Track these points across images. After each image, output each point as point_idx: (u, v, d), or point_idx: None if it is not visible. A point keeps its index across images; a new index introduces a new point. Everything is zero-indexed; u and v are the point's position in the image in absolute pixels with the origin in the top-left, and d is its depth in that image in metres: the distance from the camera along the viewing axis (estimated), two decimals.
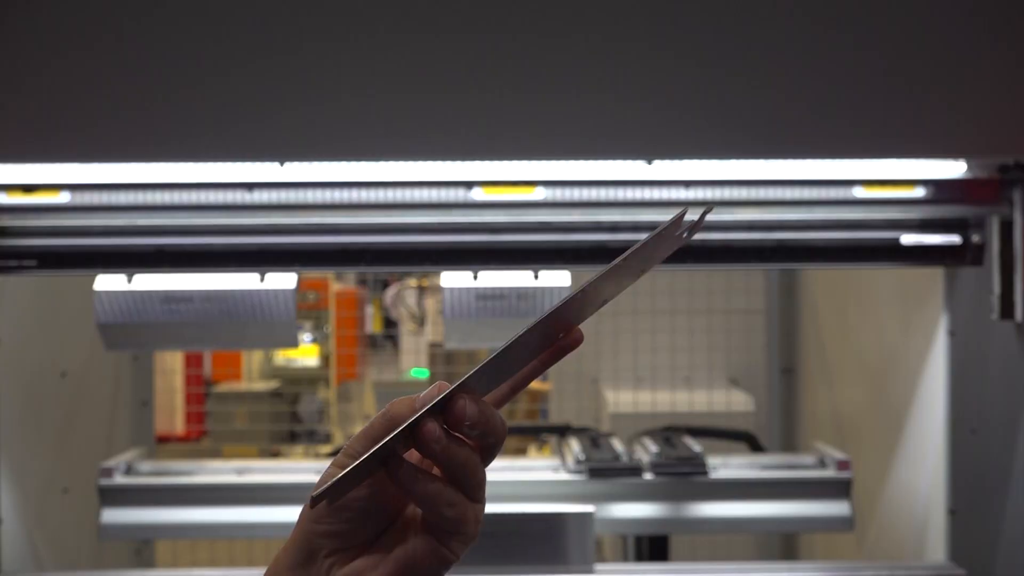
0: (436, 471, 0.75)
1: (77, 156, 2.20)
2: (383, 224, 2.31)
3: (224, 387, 7.55)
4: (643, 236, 0.73)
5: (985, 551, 2.37)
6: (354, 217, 2.30)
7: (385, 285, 7.01)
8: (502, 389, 0.78)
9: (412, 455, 0.75)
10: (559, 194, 2.28)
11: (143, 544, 3.36)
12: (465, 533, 0.75)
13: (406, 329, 6.57)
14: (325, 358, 7.75)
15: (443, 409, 0.72)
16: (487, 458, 0.76)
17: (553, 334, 0.76)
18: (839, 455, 2.74)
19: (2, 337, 2.54)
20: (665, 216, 2.54)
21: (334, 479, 0.71)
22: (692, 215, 0.75)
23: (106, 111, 2.12)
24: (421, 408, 0.72)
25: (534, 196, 2.28)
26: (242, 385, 7.71)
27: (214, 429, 6.38)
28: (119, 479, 2.70)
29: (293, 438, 6.90)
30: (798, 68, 2.14)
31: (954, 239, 2.33)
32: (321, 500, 0.71)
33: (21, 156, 2.19)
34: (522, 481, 2.67)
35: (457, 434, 0.74)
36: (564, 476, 2.70)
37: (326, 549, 0.75)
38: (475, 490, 0.75)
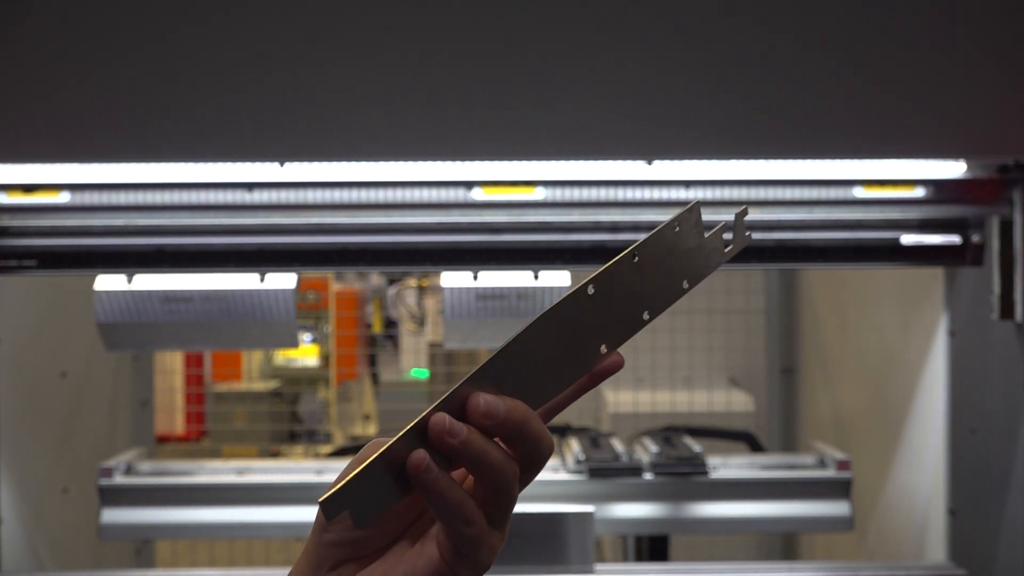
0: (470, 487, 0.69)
1: (77, 156, 2.20)
2: (383, 224, 2.32)
3: (224, 387, 7.55)
4: (642, 236, 0.71)
5: (985, 551, 2.37)
6: (354, 217, 2.30)
7: (388, 284, 7.01)
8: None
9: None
10: (559, 194, 2.28)
11: (143, 544, 3.36)
12: (478, 561, 0.68)
13: (406, 329, 6.57)
14: (325, 358, 7.75)
15: (462, 407, 0.67)
16: (527, 471, 0.69)
17: (580, 350, 0.69)
18: (839, 455, 2.74)
19: (2, 337, 2.54)
20: (664, 216, 2.52)
21: (342, 483, 0.64)
22: (710, 214, 0.72)
23: (106, 111, 2.12)
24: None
25: (534, 196, 2.28)
26: (242, 385, 7.71)
27: (214, 429, 6.37)
28: (119, 479, 2.70)
29: (293, 438, 6.90)
30: (798, 68, 2.14)
31: (954, 239, 2.33)
32: (335, 511, 0.64)
33: (21, 156, 2.19)
34: None
35: (499, 442, 0.68)
36: (564, 476, 2.70)
37: (332, 560, 0.70)
38: (501, 512, 0.68)
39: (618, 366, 0.71)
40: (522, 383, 0.68)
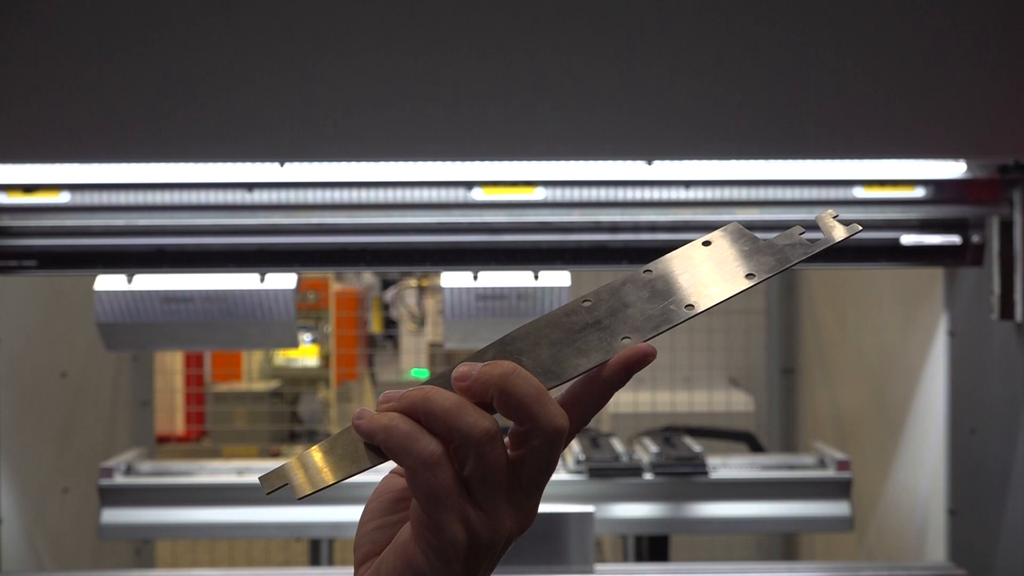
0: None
1: (77, 156, 2.20)
2: (383, 224, 2.32)
3: (224, 387, 7.55)
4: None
5: (985, 551, 2.37)
6: (354, 217, 2.30)
7: (386, 285, 7.01)
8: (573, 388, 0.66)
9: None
10: (559, 194, 2.28)
11: (143, 544, 3.36)
12: (449, 534, 0.60)
13: (406, 329, 6.57)
14: (325, 358, 7.75)
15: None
16: (532, 439, 0.61)
17: (598, 339, 0.66)
18: (839, 455, 2.74)
19: (2, 337, 2.54)
20: (663, 216, 2.49)
21: (279, 467, 0.65)
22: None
23: (106, 111, 2.12)
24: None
25: (534, 196, 2.28)
26: (242, 385, 7.71)
27: (214, 429, 6.37)
28: (119, 479, 2.70)
29: (293, 438, 6.90)
30: (798, 68, 2.14)
31: (954, 239, 2.33)
32: (273, 486, 0.64)
33: (21, 156, 2.19)
34: None
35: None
36: (564, 476, 2.70)
37: (361, 551, 0.68)
38: (478, 482, 0.60)
39: (649, 354, 0.64)
40: (530, 363, 0.65)
